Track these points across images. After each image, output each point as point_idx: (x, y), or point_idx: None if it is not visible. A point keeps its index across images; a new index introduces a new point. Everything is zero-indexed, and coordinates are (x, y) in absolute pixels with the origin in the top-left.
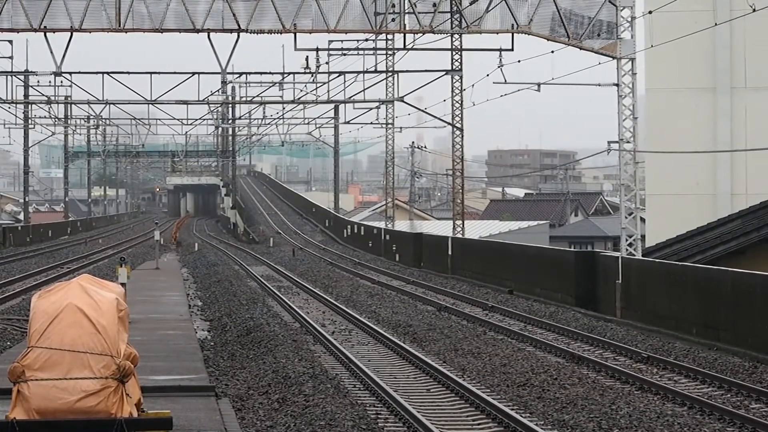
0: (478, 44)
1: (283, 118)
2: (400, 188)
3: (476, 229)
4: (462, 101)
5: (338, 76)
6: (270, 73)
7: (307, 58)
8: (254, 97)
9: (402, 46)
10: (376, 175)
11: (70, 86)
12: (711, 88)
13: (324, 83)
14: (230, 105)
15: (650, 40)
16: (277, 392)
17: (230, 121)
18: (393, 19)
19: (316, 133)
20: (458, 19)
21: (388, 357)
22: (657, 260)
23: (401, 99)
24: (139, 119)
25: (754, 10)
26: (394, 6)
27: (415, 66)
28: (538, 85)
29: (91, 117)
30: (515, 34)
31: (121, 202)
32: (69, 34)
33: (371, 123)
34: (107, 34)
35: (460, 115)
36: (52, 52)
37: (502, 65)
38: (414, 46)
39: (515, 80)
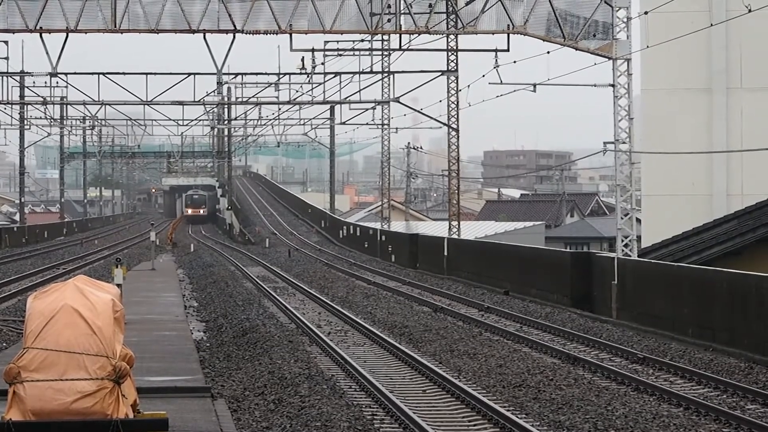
0: (474, 45)
1: (278, 118)
2: (396, 189)
3: (472, 230)
4: (458, 102)
5: (334, 77)
6: (266, 73)
7: (302, 59)
8: (250, 98)
9: (398, 47)
10: (372, 176)
11: (66, 87)
12: (707, 88)
13: (320, 84)
14: (226, 106)
15: (646, 41)
16: (273, 393)
17: (226, 122)
18: (389, 20)
19: (311, 134)
20: (454, 20)
21: (384, 358)
22: (653, 261)
23: (397, 100)
24: (134, 120)
25: (750, 11)
26: (389, 7)
27: (410, 67)
28: (534, 85)
29: (87, 118)
30: (511, 35)
31: (117, 203)
32: (65, 34)
33: (367, 124)
34: (103, 35)
35: (455, 116)
36: (47, 53)
37: (497, 66)
38: (410, 47)
39: (511, 81)
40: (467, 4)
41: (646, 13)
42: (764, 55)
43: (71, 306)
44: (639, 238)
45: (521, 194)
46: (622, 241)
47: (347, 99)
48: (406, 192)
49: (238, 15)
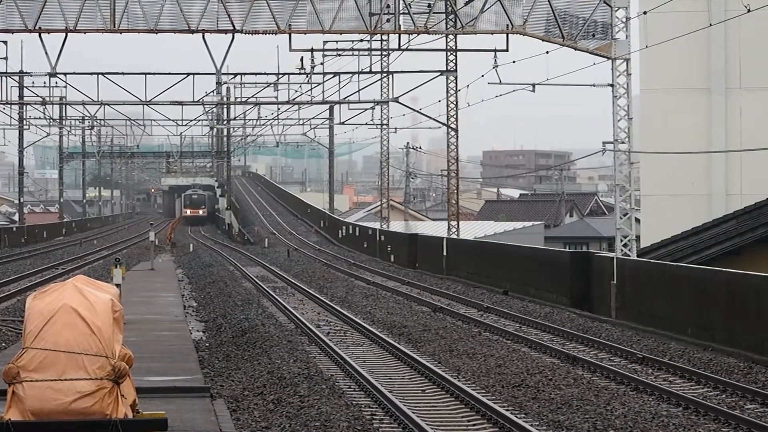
0: (473, 45)
1: (278, 118)
2: (395, 189)
3: (471, 230)
4: (457, 102)
5: (333, 77)
6: (265, 73)
7: (302, 59)
8: (249, 98)
9: (397, 47)
10: (371, 176)
11: (65, 87)
12: (706, 88)
13: (319, 84)
14: (225, 106)
15: (645, 41)
16: (272, 393)
17: (225, 122)
18: (388, 20)
19: (311, 134)
20: (453, 20)
21: (383, 358)
22: (652, 261)
23: (396, 100)
24: (133, 120)
25: (748, 11)
26: (389, 6)
27: (409, 66)
28: (533, 85)
29: (86, 118)
30: (510, 35)
31: (116, 203)
32: (64, 34)
33: (366, 124)
34: (102, 35)
35: (454, 116)
36: (46, 53)
37: (497, 66)
38: (409, 47)
39: (510, 81)
40: (466, 4)
41: (645, 13)
42: (763, 55)
43: (70, 306)
44: (638, 237)
45: (520, 194)
46: (621, 240)
47: (346, 99)
48: (405, 192)
49: (237, 15)
